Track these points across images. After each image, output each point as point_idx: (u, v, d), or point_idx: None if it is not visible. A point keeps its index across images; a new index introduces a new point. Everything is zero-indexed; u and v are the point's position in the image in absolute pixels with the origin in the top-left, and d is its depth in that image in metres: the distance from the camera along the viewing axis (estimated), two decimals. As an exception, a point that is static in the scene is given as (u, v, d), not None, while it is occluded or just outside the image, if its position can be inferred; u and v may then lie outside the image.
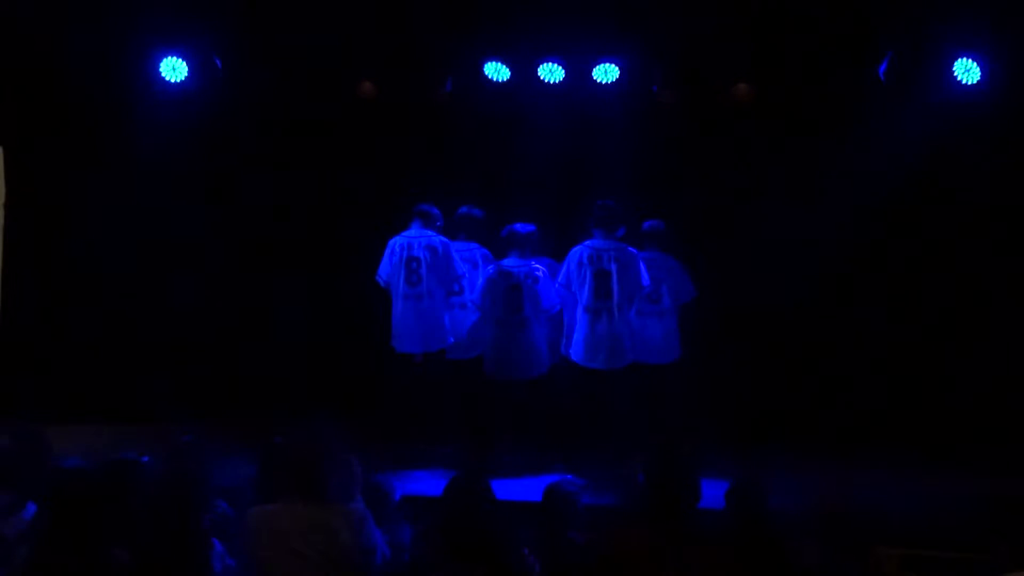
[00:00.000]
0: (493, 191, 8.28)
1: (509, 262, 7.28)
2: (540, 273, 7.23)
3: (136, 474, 4.66)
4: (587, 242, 7.19)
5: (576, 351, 7.14)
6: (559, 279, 7.23)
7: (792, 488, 6.14)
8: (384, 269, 7.34)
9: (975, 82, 7.59)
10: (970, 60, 7.55)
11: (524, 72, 8.17)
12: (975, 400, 8.02)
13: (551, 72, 8.11)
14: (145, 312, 8.84)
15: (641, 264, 7.17)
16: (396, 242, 7.33)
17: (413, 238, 7.30)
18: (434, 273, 7.25)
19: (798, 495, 5.81)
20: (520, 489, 6.15)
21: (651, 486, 3.69)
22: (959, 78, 7.59)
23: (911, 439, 7.85)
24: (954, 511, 6.06)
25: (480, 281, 7.33)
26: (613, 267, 7.08)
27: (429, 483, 6.37)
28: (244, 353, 8.87)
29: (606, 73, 8.09)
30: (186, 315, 8.91)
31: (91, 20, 8.07)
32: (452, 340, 7.44)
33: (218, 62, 8.21)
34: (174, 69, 8.14)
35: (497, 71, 8.18)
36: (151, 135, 8.42)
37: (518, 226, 7.35)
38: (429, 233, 7.32)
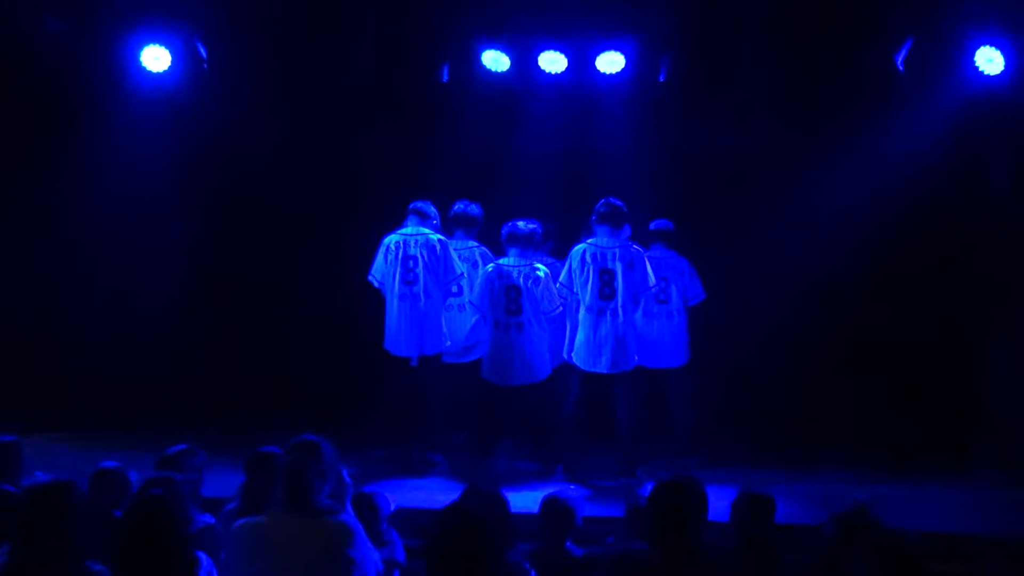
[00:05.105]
0: (492, 187, 8.30)
1: (509, 261, 7.31)
2: (541, 273, 7.25)
3: (118, 485, 4.71)
4: (591, 240, 7.21)
5: (578, 354, 7.16)
6: (561, 279, 7.25)
7: (805, 499, 6.22)
8: (378, 268, 7.36)
9: (998, 73, 7.60)
10: (993, 49, 7.55)
11: (524, 61, 8.20)
12: (996, 407, 8.04)
13: (552, 62, 8.13)
14: (129, 313, 8.87)
15: (647, 263, 7.20)
16: (391, 240, 7.34)
17: (409, 236, 7.32)
18: (431, 272, 7.26)
19: (812, 506, 5.89)
20: (519, 500, 6.16)
21: (658, 517, 3.70)
22: (981, 68, 7.60)
23: (930, 448, 7.87)
24: (973, 521, 6.11)
25: (479, 281, 7.36)
26: (617, 266, 7.09)
27: (425, 494, 6.39)
28: (231, 358, 8.89)
29: (610, 63, 8.10)
30: (170, 317, 8.94)
31: (67, 7, 8.10)
32: (449, 343, 7.46)
33: (202, 50, 8.23)
34: (156, 58, 8.16)
35: (496, 60, 8.19)
36: (133, 128, 8.45)
37: (519, 223, 7.36)
38: (426, 231, 7.34)
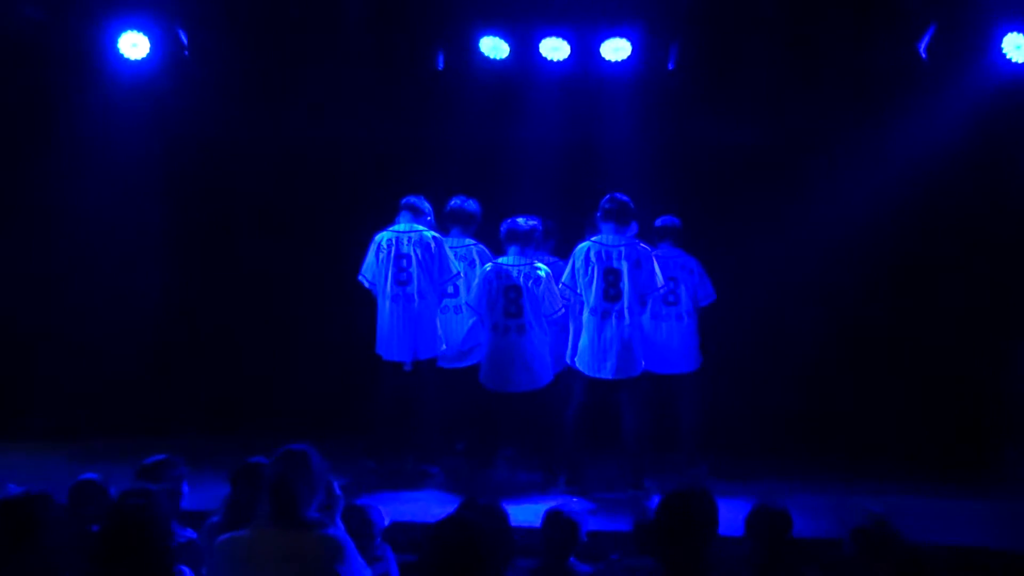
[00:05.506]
0: (490, 181, 8.31)
1: (508, 260, 7.31)
2: (542, 272, 7.26)
3: (97, 498, 4.72)
4: (595, 238, 7.22)
5: (582, 359, 7.17)
6: (563, 279, 7.25)
7: (823, 511, 6.23)
8: (369, 267, 7.36)
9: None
10: (1020, 36, 7.57)
11: (524, 48, 8.19)
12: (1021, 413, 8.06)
13: (554, 49, 8.13)
14: (106, 312, 8.86)
15: (655, 262, 7.20)
16: (383, 237, 7.34)
17: (402, 233, 7.32)
18: (425, 272, 7.27)
19: (828, 519, 5.90)
20: (520, 513, 6.18)
21: (667, 531, 3.71)
22: (1008, 56, 7.62)
23: (952, 456, 7.88)
24: (997, 533, 6.12)
25: (476, 281, 7.36)
26: (623, 265, 7.09)
27: (419, 507, 6.40)
28: (214, 362, 8.89)
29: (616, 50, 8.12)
30: (148, 317, 8.95)
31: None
32: (445, 346, 7.47)
33: (183, 36, 8.24)
34: (134, 45, 8.17)
35: (494, 47, 8.20)
36: (110, 118, 8.46)
37: (519, 220, 7.36)
38: (419, 228, 7.34)
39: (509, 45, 8.20)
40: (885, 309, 8.54)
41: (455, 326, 7.63)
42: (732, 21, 8.06)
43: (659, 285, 7.24)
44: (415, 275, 7.26)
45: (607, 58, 8.14)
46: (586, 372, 7.16)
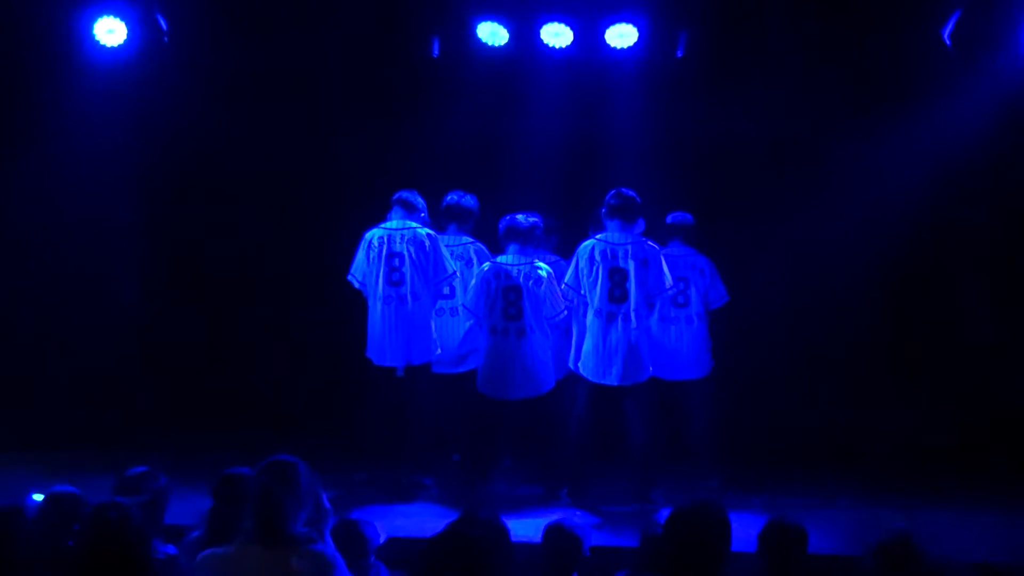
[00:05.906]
0: (488, 176, 8.31)
1: (507, 259, 7.31)
2: (543, 272, 7.26)
3: (73, 512, 4.71)
4: (600, 236, 7.22)
5: (586, 364, 7.17)
6: (566, 279, 7.26)
7: (840, 527, 6.23)
8: (359, 267, 7.35)
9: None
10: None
11: (525, 35, 8.20)
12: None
13: (557, 35, 8.14)
14: (80, 315, 8.86)
15: (663, 261, 7.21)
16: (374, 235, 7.33)
17: (394, 230, 7.32)
18: (419, 272, 7.26)
19: (848, 535, 5.90)
20: (520, 527, 6.18)
21: (677, 547, 3.71)
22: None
23: (977, 468, 7.89)
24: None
25: (473, 281, 7.37)
26: (630, 264, 7.10)
27: (414, 521, 6.41)
28: (195, 367, 8.89)
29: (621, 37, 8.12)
30: (127, 317, 8.95)
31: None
32: (440, 351, 7.48)
33: (163, 22, 8.24)
34: (111, 31, 8.17)
35: (493, 33, 8.20)
36: (84, 109, 8.46)
37: (519, 217, 7.36)
38: (413, 224, 7.34)
39: (508, 31, 8.22)
40: (908, 312, 8.55)
41: (451, 329, 7.63)
42: (746, 6, 8.07)
43: (668, 286, 7.25)
44: (408, 275, 7.25)
45: (612, 45, 8.15)
46: (590, 378, 7.16)
